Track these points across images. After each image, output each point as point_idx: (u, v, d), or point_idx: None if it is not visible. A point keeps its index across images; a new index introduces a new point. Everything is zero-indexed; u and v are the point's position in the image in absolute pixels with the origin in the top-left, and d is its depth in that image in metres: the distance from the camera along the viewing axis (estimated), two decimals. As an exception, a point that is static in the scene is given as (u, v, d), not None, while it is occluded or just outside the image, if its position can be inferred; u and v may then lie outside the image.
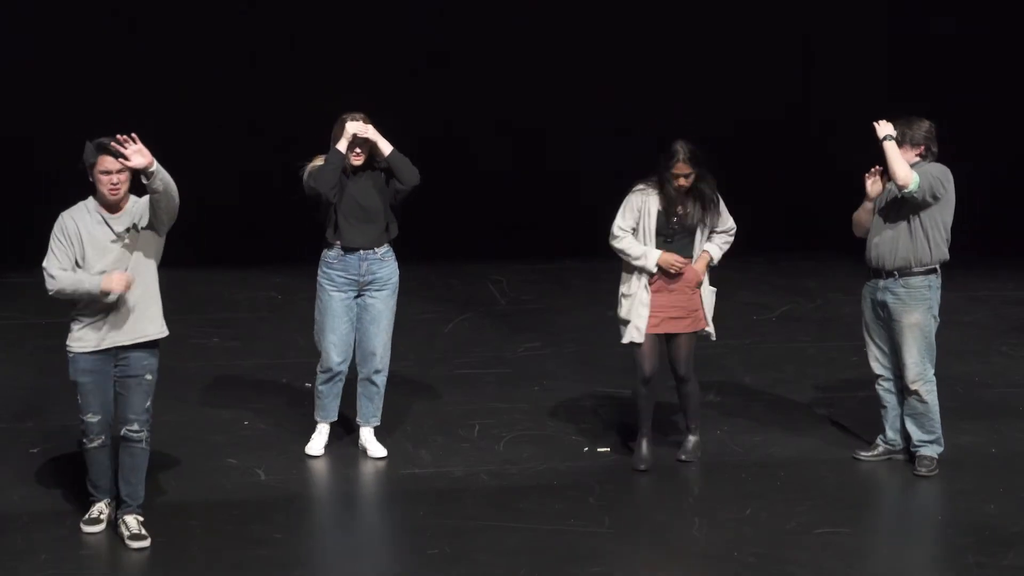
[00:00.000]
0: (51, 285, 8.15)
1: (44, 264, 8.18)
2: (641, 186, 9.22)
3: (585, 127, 15.79)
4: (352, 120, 9.19)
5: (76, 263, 8.17)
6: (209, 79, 14.96)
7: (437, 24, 15.42)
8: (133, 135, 7.99)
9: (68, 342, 8.29)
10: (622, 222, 9.20)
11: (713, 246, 9.29)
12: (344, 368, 9.47)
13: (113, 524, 8.45)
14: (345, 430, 9.76)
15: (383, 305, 9.43)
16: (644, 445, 9.35)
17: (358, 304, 9.41)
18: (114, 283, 8.10)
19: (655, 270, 9.15)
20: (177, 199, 8.17)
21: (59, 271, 8.14)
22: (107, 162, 8.07)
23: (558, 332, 12.21)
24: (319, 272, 9.41)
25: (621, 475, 9.30)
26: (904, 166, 8.96)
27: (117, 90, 14.56)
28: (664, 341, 9.29)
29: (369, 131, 9.16)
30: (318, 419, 9.58)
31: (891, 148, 8.99)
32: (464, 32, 15.45)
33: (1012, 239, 14.77)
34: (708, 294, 9.34)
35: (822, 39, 16.19)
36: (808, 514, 8.69)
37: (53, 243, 8.20)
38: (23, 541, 8.23)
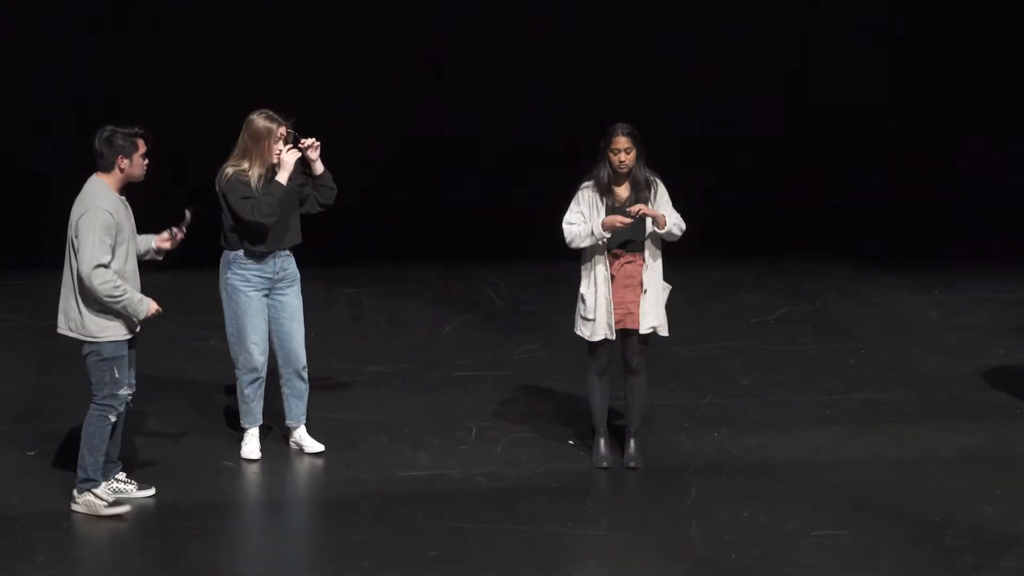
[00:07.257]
0: (110, 288, 8.35)
1: (99, 259, 8.31)
2: (588, 182, 9.21)
3: (582, 127, 15.78)
4: (278, 128, 9.19)
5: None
6: (208, 79, 14.95)
7: (436, 23, 15.42)
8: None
9: (102, 332, 8.45)
10: (570, 216, 9.17)
11: (670, 216, 9.19)
12: (266, 368, 9.45)
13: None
14: (344, 431, 9.77)
15: (297, 300, 9.43)
16: (603, 444, 9.42)
17: (269, 303, 9.37)
18: (152, 311, 8.55)
19: (603, 231, 9.05)
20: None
21: (117, 276, 8.41)
22: (144, 145, 8.51)
23: (556, 334, 12.18)
24: (229, 274, 9.27)
25: (619, 477, 9.29)
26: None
27: (117, 89, 14.55)
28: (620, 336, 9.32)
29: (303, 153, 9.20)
30: (247, 425, 9.51)
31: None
32: (463, 31, 15.45)
33: (1012, 239, 14.75)
34: (661, 291, 9.33)
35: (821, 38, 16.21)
36: (807, 516, 8.69)
37: (102, 235, 8.35)
38: (23, 541, 8.23)
